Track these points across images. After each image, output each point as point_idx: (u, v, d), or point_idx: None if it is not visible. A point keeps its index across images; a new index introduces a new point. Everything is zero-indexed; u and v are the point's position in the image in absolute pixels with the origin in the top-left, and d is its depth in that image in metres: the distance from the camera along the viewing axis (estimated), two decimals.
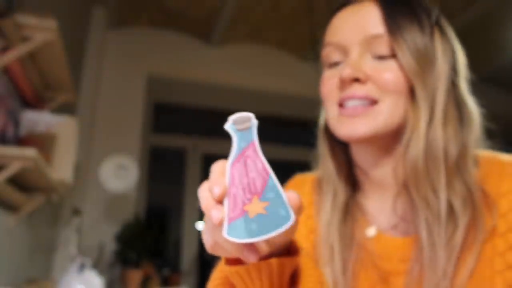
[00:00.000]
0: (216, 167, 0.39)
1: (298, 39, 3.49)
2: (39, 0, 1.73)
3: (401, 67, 0.54)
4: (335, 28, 0.61)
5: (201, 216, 4.09)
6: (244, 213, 0.33)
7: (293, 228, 0.37)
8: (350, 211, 0.61)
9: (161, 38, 3.36)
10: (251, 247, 0.37)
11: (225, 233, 0.33)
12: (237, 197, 0.34)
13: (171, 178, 4.71)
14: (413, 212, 0.55)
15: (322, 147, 0.65)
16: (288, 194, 0.35)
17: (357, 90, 0.56)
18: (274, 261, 0.42)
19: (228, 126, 0.40)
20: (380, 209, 0.61)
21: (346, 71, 0.55)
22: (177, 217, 4.52)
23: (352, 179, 0.64)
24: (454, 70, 0.58)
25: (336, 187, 0.62)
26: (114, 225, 2.73)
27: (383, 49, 0.56)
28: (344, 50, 0.59)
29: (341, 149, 0.64)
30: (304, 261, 0.47)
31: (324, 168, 0.64)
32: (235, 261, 0.44)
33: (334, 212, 0.60)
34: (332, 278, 0.57)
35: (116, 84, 3.11)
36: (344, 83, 0.56)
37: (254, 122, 0.39)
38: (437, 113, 0.54)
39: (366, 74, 0.56)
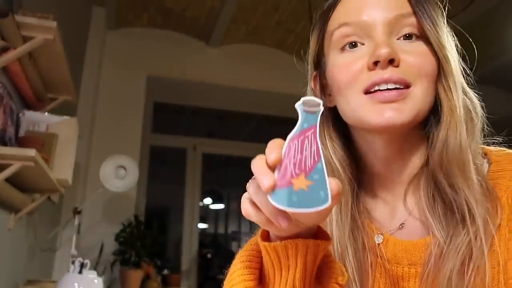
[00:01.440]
0: (274, 141, 0.40)
1: (298, 39, 3.49)
2: (39, 0, 1.73)
3: (430, 48, 0.52)
4: (352, 7, 0.56)
5: (201, 216, 4.09)
6: (290, 185, 0.36)
7: (326, 212, 0.39)
8: (357, 217, 0.58)
9: (161, 38, 3.36)
10: (285, 215, 0.38)
11: (269, 197, 0.36)
12: (287, 169, 0.37)
13: (171, 178, 4.71)
14: (426, 211, 0.52)
15: (327, 147, 0.60)
16: (331, 181, 0.37)
17: (393, 72, 0.51)
18: (311, 241, 0.42)
19: (298, 105, 0.42)
20: (388, 211, 0.59)
21: (384, 50, 0.50)
22: (177, 217, 4.52)
23: (356, 180, 0.60)
24: (455, 59, 0.56)
25: (347, 186, 0.58)
26: (114, 225, 2.73)
27: (410, 29, 0.53)
28: (366, 31, 0.54)
29: (342, 144, 0.61)
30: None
31: (330, 165, 0.59)
32: (268, 239, 0.45)
33: (343, 224, 0.57)
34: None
35: (116, 84, 3.12)
36: (380, 65, 0.51)
37: (321, 109, 0.41)
38: (461, 97, 0.52)
39: (399, 55, 0.52)
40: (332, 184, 0.37)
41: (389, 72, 0.51)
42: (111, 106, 3.05)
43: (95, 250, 2.59)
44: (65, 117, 1.69)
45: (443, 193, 0.50)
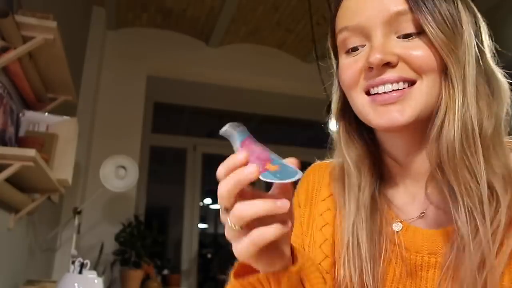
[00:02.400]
0: (230, 157, 0.43)
1: (298, 39, 3.49)
2: (39, 0, 1.73)
3: (430, 43, 0.50)
4: (350, 10, 0.55)
5: (201, 216, 4.09)
6: (267, 169, 0.41)
7: (290, 232, 0.44)
8: (376, 206, 0.57)
9: (161, 38, 3.36)
10: (280, 196, 0.42)
11: (261, 177, 0.40)
12: (256, 162, 0.42)
13: (171, 178, 4.71)
14: (449, 201, 0.50)
15: (341, 136, 0.60)
16: (289, 160, 0.42)
17: (390, 74, 0.51)
18: (292, 268, 0.44)
19: (226, 128, 0.48)
20: (409, 199, 0.58)
21: (375, 56, 0.50)
22: (177, 217, 4.52)
23: (377, 168, 0.60)
24: (479, 39, 0.53)
25: (360, 181, 0.58)
26: (114, 225, 2.73)
27: (409, 26, 0.51)
28: (364, 33, 0.54)
29: (361, 139, 0.60)
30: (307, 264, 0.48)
31: (345, 160, 0.59)
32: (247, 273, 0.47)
33: (360, 211, 0.56)
34: (359, 276, 0.54)
35: (116, 84, 3.12)
36: (373, 69, 0.52)
37: (243, 127, 0.48)
38: (468, 88, 0.49)
39: (397, 55, 0.51)
40: (292, 162, 0.42)
41: (386, 75, 0.51)
42: (111, 106, 3.05)
43: (95, 250, 2.59)
44: (65, 117, 1.69)
45: (462, 183, 0.49)
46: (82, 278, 1.41)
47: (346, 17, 0.56)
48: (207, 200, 6.34)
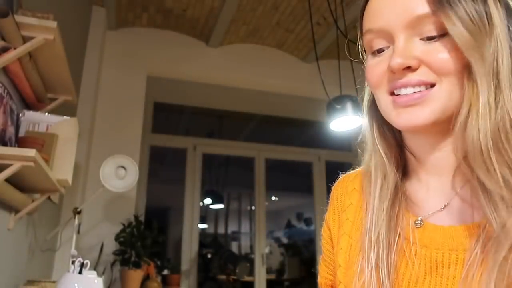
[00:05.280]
0: None
1: (298, 39, 3.49)
2: (39, 0, 1.73)
3: (455, 44, 0.50)
4: (374, 12, 0.56)
5: (201, 216, 4.09)
6: None
7: None
8: (398, 198, 0.59)
9: (161, 38, 3.36)
10: None
11: None
12: None
13: (171, 178, 4.71)
14: (480, 196, 0.49)
15: (370, 132, 0.63)
16: None
17: (410, 78, 0.52)
18: None
19: None
20: (429, 197, 0.58)
21: (396, 61, 0.51)
22: (177, 217, 4.52)
23: (401, 164, 0.61)
24: None
25: (385, 172, 0.60)
26: (114, 225, 2.73)
27: (432, 29, 0.51)
28: (388, 36, 0.54)
29: (390, 131, 0.62)
30: None
31: (373, 153, 0.62)
32: None
33: (383, 199, 0.58)
34: (374, 273, 0.54)
35: (116, 84, 3.12)
36: (395, 73, 0.53)
37: None
38: (503, 83, 0.49)
39: (417, 58, 0.51)
40: None
41: (406, 79, 0.52)
42: (111, 106, 3.05)
43: (95, 250, 2.59)
44: (65, 117, 1.69)
45: (495, 178, 0.48)
46: (82, 278, 1.41)
47: (370, 19, 0.56)
48: (207, 200, 6.34)
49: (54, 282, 1.73)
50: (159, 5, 3.06)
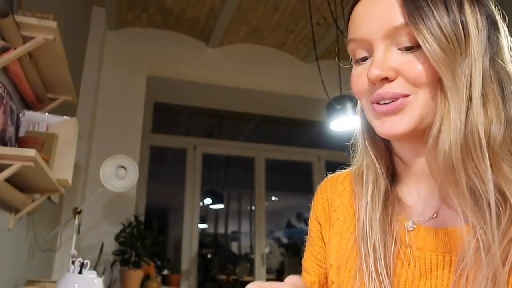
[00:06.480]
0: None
1: (298, 39, 3.49)
2: (39, 0, 1.73)
3: (427, 57, 0.50)
4: (355, 22, 0.57)
5: (201, 216, 4.09)
6: None
7: None
8: (390, 202, 0.60)
9: (161, 38, 3.36)
10: None
11: None
12: None
13: (171, 178, 4.72)
14: (459, 201, 0.50)
15: (361, 135, 0.64)
16: None
17: (387, 89, 0.53)
18: None
19: None
20: (420, 200, 0.59)
21: (373, 72, 0.53)
22: (177, 217, 4.53)
23: (391, 169, 0.63)
24: (492, 42, 0.52)
25: (376, 175, 0.61)
26: (114, 225, 2.73)
27: (408, 39, 0.52)
28: (368, 45, 0.55)
29: (379, 136, 0.62)
30: None
31: (365, 157, 0.63)
32: None
33: (375, 202, 0.59)
34: (374, 276, 0.55)
35: (116, 84, 3.12)
36: (374, 84, 0.54)
37: None
38: (474, 97, 0.49)
39: (394, 69, 0.53)
40: None
41: (383, 90, 0.53)
42: (111, 106, 3.05)
43: (95, 250, 2.59)
44: (65, 117, 1.69)
45: (465, 187, 0.49)
46: (82, 278, 1.41)
47: (353, 29, 0.58)
48: (207, 200, 6.34)
49: (54, 282, 1.73)
50: (159, 5, 3.06)
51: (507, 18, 0.56)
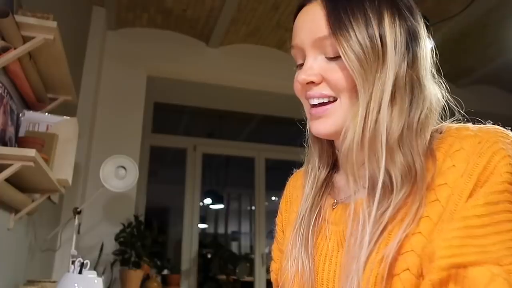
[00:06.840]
0: None
1: None
2: (39, 0, 1.73)
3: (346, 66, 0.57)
4: (294, 30, 0.65)
5: (201, 216, 4.09)
6: None
7: None
8: (325, 186, 0.69)
9: (161, 38, 3.36)
10: None
11: None
12: None
13: (171, 178, 4.71)
14: (361, 181, 0.59)
15: (309, 134, 0.71)
16: None
17: (314, 91, 0.61)
18: None
19: None
20: (347, 183, 0.64)
21: (300, 77, 0.61)
22: (177, 217, 4.52)
23: (333, 161, 0.71)
24: (410, 53, 0.58)
25: (316, 165, 0.69)
26: (114, 225, 2.73)
27: (331, 50, 0.58)
28: (303, 52, 0.63)
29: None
30: None
31: (310, 152, 0.71)
32: None
33: (312, 187, 0.68)
34: (297, 250, 0.64)
35: (116, 84, 3.12)
36: (303, 86, 0.62)
37: None
38: (384, 99, 0.56)
39: (319, 75, 0.60)
40: None
41: (311, 92, 0.61)
42: (111, 106, 3.05)
43: (95, 250, 2.59)
44: (65, 117, 1.69)
45: (369, 169, 0.57)
46: (82, 278, 1.41)
47: (292, 36, 0.65)
48: (207, 200, 6.34)
49: (54, 282, 1.73)
50: (159, 5, 3.06)
51: (432, 30, 0.63)
